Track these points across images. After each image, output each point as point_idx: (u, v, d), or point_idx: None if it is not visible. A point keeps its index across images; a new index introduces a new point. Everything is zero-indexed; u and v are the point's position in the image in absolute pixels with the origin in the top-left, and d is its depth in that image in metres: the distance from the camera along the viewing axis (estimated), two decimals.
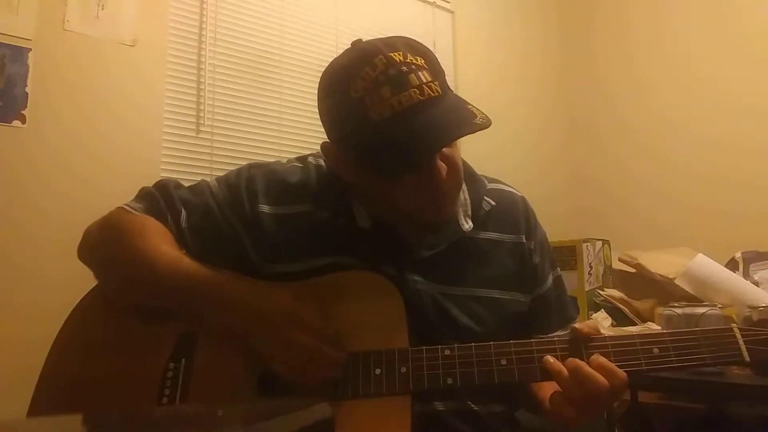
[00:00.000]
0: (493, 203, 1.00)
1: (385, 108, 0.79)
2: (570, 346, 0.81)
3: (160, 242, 0.88)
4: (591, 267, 1.96)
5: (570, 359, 0.79)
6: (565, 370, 0.78)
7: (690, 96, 2.71)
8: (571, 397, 0.78)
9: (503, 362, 0.81)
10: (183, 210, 0.94)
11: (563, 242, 1.92)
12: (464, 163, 0.94)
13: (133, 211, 0.93)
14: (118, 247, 0.90)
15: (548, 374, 0.80)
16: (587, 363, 0.78)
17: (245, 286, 0.85)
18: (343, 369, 0.81)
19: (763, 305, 1.48)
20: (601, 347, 0.81)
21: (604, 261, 2.07)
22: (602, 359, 0.79)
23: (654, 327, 1.63)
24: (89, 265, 0.95)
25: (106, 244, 0.93)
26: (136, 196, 0.98)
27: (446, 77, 0.86)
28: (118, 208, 0.95)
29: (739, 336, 0.80)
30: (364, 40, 0.87)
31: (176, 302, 0.86)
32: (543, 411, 0.89)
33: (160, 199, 0.95)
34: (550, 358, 0.80)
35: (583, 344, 0.81)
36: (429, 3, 2.57)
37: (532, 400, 0.96)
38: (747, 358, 0.79)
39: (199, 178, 1.02)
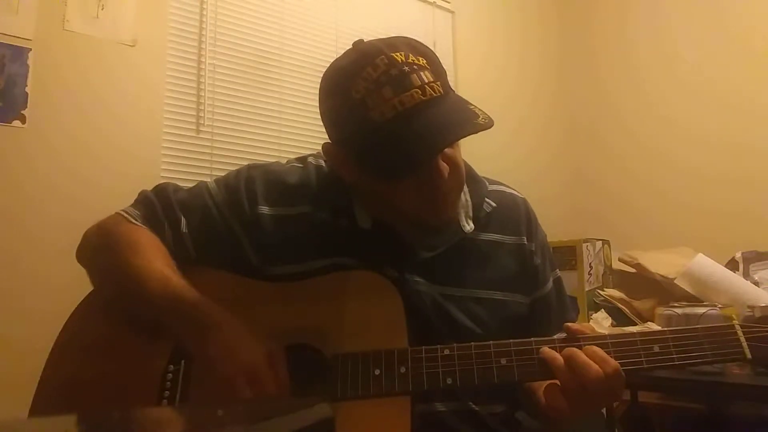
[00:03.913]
0: (494, 205, 1.00)
1: (386, 108, 0.78)
2: (570, 345, 0.81)
3: (152, 258, 0.88)
4: (591, 267, 1.96)
5: (566, 348, 0.79)
6: (560, 358, 0.79)
7: (690, 96, 2.71)
8: (565, 387, 0.78)
9: (503, 362, 0.81)
10: (182, 216, 0.93)
11: (563, 242, 1.92)
12: (465, 164, 0.93)
13: (130, 219, 0.93)
14: (112, 257, 0.89)
15: (545, 364, 0.79)
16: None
17: (222, 318, 0.81)
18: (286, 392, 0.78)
19: (765, 303, 1.48)
20: (601, 345, 0.80)
21: (604, 261, 2.07)
22: (596, 348, 0.79)
23: (654, 327, 1.62)
24: (86, 269, 0.95)
25: (101, 253, 0.93)
26: (135, 201, 0.97)
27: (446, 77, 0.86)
28: (116, 214, 0.95)
29: (740, 333, 0.80)
30: (365, 41, 0.87)
31: (160, 318, 0.85)
32: (539, 408, 0.89)
33: (158, 205, 0.94)
34: (546, 348, 0.80)
35: (583, 342, 0.81)
36: (429, 3, 2.57)
37: (530, 403, 0.96)
38: (749, 355, 0.79)
39: (199, 179, 1.02)
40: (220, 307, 0.83)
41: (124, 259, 0.87)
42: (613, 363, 0.78)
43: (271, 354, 0.79)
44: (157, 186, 0.98)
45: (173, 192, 0.96)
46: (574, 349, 0.79)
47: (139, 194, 0.98)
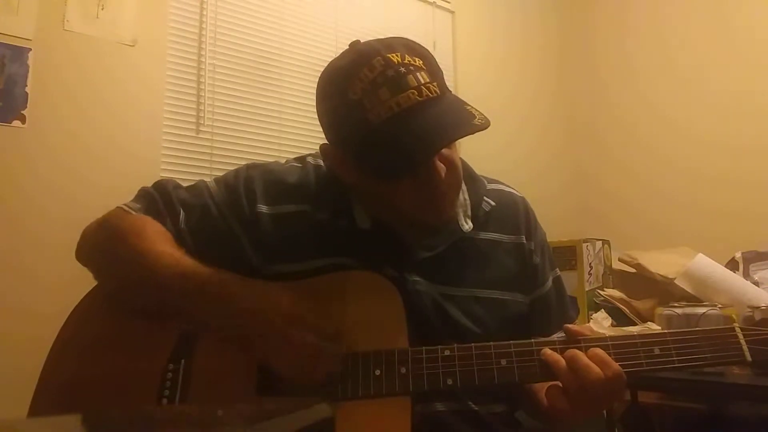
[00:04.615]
0: (492, 203, 1.00)
1: (383, 109, 0.79)
2: (571, 346, 0.81)
3: (159, 242, 0.88)
4: (591, 267, 1.96)
5: (569, 350, 0.80)
6: (562, 360, 0.79)
7: (690, 96, 2.71)
8: (567, 389, 0.78)
9: (503, 362, 0.81)
10: (181, 211, 0.93)
11: (563, 242, 1.92)
12: (464, 163, 0.94)
13: (131, 212, 0.93)
14: (118, 246, 0.89)
15: (546, 366, 0.80)
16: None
17: (244, 285, 0.85)
18: (341, 364, 0.81)
19: (765, 305, 1.48)
20: (602, 347, 0.80)
21: (604, 261, 2.07)
22: (598, 350, 0.79)
23: (654, 327, 1.62)
24: (88, 266, 0.95)
25: (105, 244, 0.93)
26: (135, 197, 0.98)
27: (446, 77, 0.86)
28: (117, 208, 0.95)
29: (741, 336, 0.80)
30: (362, 42, 0.87)
31: (176, 302, 0.86)
32: (540, 410, 0.89)
33: (159, 199, 0.94)
34: (548, 350, 0.80)
35: (584, 344, 0.81)
36: (429, 3, 2.57)
37: (530, 403, 0.96)
38: (749, 358, 0.79)
39: (198, 178, 1.02)
40: (235, 276, 0.85)
41: (132, 245, 0.87)
42: (615, 366, 0.78)
43: (299, 312, 0.81)
44: (156, 182, 0.99)
45: (173, 188, 0.96)
46: (577, 351, 0.79)
47: (139, 190, 0.98)
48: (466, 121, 0.80)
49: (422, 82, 0.80)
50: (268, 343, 0.81)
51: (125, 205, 0.95)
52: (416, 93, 0.79)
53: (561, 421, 0.82)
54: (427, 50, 0.86)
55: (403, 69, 0.80)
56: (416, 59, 0.82)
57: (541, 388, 0.88)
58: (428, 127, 0.79)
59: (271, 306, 0.82)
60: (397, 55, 0.81)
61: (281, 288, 0.85)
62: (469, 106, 0.84)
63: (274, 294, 0.84)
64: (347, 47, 0.87)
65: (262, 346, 0.82)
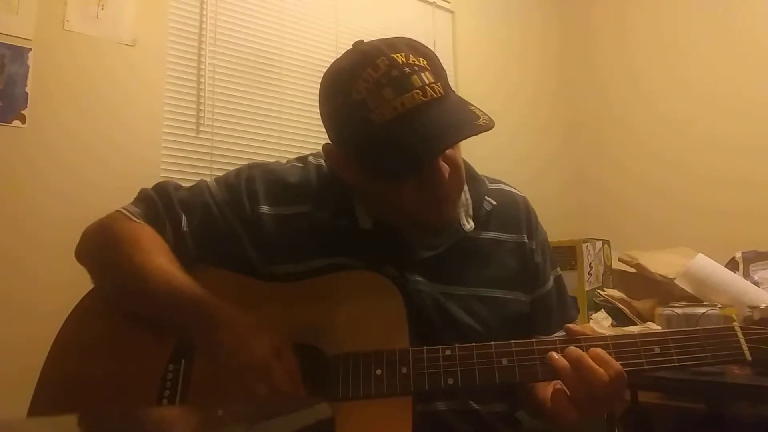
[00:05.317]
0: (494, 203, 1.00)
1: (387, 109, 0.78)
2: (572, 345, 0.81)
3: (155, 254, 0.88)
4: (591, 267, 1.96)
5: (572, 348, 0.79)
6: (568, 366, 0.78)
7: (690, 96, 2.71)
8: (573, 395, 0.78)
9: (504, 362, 0.81)
10: (183, 214, 0.93)
11: (563, 242, 1.92)
12: (465, 163, 0.94)
13: (131, 217, 0.93)
14: (114, 254, 0.89)
15: (552, 371, 0.79)
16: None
17: (231, 313, 0.82)
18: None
19: (765, 305, 1.48)
20: (602, 347, 0.80)
21: (604, 261, 2.07)
22: (599, 350, 0.79)
23: (654, 327, 1.62)
24: (86, 267, 0.95)
25: (101, 250, 0.93)
26: (136, 199, 0.97)
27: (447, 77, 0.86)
28: (117, 211, 0.95)
29: (740, 335, 0.80)
30: (365, 42, 0.87)
31: (164, 315, 0.85)
32: (543, 412, 0.89)
33: (159, 203, 0.94)
34: (554, 354, 0.80)
35: (584, 343, 0.81)
36: (429, 3, 2.57)
37: (531, 404, 0.95)
38: (749, 357, 0.79)
39: (199, 178, 1.02)
40: (226, 302, 0.83)
41: (126, 256, 0.87)
42: (616, 365, 0.78)
43: (282, 349, 0.79)
44: (157, 184, 0.98)
45: (174, 190, 0.96)
46: (581, 354, 0.78)
47: (140, 192, 0.98)
48: (471, 122, 0.80)
49: (426, 82, 0.80)
50: (236, 375, 0.78)
51: (125, 209, 0.95)
52: (420, 93, 0.79)
53: (563, 423, 0.82)
54: (430, 50, 0.86)
55: (407, 69, 0.80)
56: (420, 59, 0.82)
57: (543, 387, 0.88)
58: (433, 128, 0.78)
59: (250, 349, 0.78)
60: (401, 55, 0.81)
61: (266, 335, 0.80)
62: (473, 106, 0.84)
63: (257, 339, 0.79)
64: (348, 47, 0.87)
65: (235, 372, 0.78)
